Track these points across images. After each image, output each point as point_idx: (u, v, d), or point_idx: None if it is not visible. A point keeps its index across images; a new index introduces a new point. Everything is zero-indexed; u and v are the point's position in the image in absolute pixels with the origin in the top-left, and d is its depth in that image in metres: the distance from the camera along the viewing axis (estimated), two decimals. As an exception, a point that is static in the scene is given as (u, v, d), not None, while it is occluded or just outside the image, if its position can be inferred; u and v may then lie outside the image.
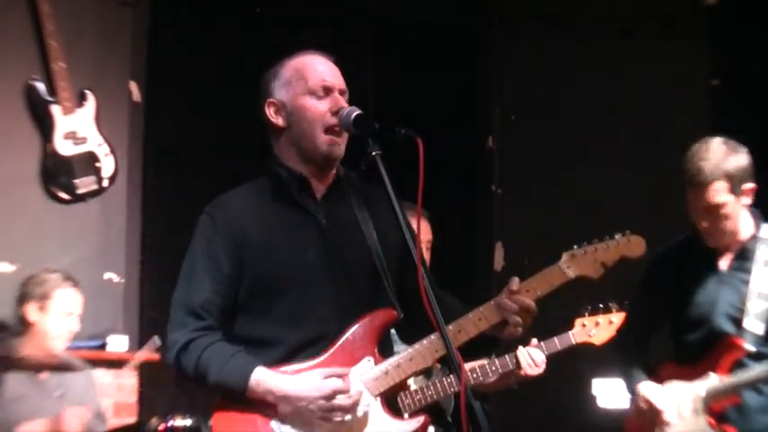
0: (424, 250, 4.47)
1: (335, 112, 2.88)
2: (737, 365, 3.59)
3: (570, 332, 4.29)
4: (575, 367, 4.42)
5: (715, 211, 3.60)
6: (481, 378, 4.21)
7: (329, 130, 2.89)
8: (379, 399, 2.86)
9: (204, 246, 2.91)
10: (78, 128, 5.26)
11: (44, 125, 5.20)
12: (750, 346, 3.58)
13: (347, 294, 2.89)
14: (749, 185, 3.64)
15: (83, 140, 5.27)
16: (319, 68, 2.94)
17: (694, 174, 3.61)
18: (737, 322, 3.62)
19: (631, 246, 3.01)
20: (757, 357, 3.58)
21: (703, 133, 3.77)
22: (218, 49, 5.71)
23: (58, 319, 4.44)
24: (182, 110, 5.70)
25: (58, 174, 5.21)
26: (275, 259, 2.88)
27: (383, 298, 2.93)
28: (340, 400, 2.77)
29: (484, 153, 6.32)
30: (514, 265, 6.05)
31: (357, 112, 2.84)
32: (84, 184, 5.27)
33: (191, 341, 2.84)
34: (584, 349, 4.31)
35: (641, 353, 3.87)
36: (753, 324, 3.59)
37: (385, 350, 2.92)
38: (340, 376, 2.80)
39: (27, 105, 5.17)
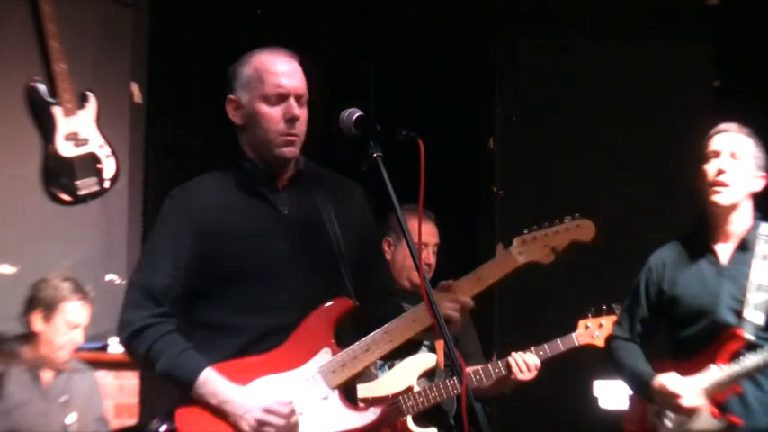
0: (431, 254, 4.48)
1: (288, 120, 2.94)
2: (737, 356, 3.61)
3: (573, 334, 4.32)
4: (576, 368, 4.41)
5: (734, 160, 3.67)
6: (484, 380, 4.24)
7: (282, 135, 2.94)
8: (336, 391, 2.90)
9: (168, 230, 2.96)
10: (79, 129, 5.26)
11: (45, 126, 5.19)
12: (750, 336, 3.60)
13: (309, 283, 2.94)
14: (762, 173, 3.73)
15: (84, 142, 5.26)
16: (277, 72, 2.97)
17: (724, 125, 3.74)
18: (739, 314, 3.64)
19: (581, 230, 3.09)
20: (756, 347, 3.60)
21: (705, 134, 3.78)
22: (219, 49, 5.70)
23: (63, 331, 4.42)
24: (183, 111, 5.70)
25: (60, 175, 5.21)
26: (239, 247, 2.92)
27: (342, 286, 2.98)
28: (274, 420, 2.79)
29: (485, 154, 6.31)
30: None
31: (358, 113, 2.85)
32: (86, 186, 5.27)
33: (146, 327, 2.87)
34: (586, 350, 4.32)
35: (643, 350, 3.86)
36: (753, 314, 3.62)
37: (342, 340, 2.94)
38: (286, 401, 2.83)
39: (28, 107, 5.16)
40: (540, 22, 6.21)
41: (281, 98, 2.95)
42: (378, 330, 2.91)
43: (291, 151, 2.97)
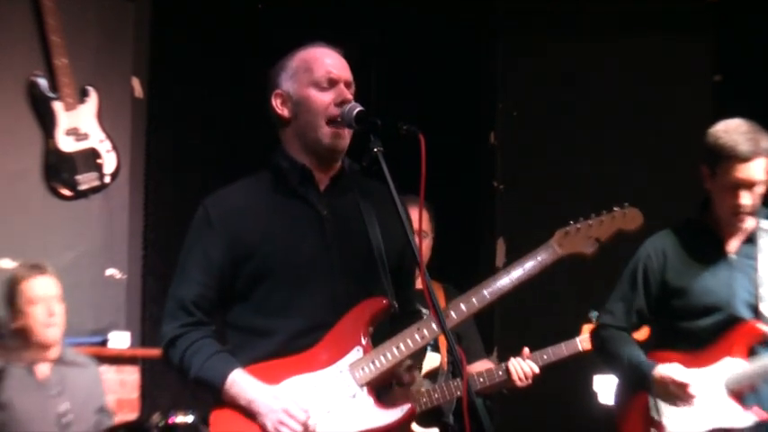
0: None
1: (339, 104, 2.88)
2: (753, 351, 3.59)
3: (577, 338, 4.33)
4: (576, 364, 4.42)
5: (754, 188, 3.57)
6: (488, 382, 4.25)
7: (332, 121, 2.89)
8: (365, 388, 2.87)
9: (197, 240, 2.95)
10: (80, 124, 5.26)
11: (46, 121, 5.20)
12: None
13: (344, 285, 2.90)
14: None
15: (85, 136, 5.27)
16: (326, 60, 2.94)
17: (738, 147, 3.53)
18: (754, 309, 3.61)
19: (628, 218, 3.03)
20: None
21: (706, 129, 3.76)
22: (220, 45, 5.71)
23: (38, 310, 4.39)
24: (184, 106, 5.70)
25: (61, 170, 5.21)
26: (273, 250, 2.89)
27: (380, 289, 2.93)
28: (290, 423, 2.79)
29: (486, 149, 6.32)
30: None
31: (359, 108, 2.84)
32: (87, 181, 5.28)
33: (178, 337, 2.90)
34: (586, 346, 4.32)
35: (634, 340, 3.82)
36: None
37: (377, 340, 2.91)
38: (304, 406, 2.82)
39: (29, 101, 5.17)
40: (542, 18, 6.21)
41: (332, 83, 2.91)
42: (410, 327, 2.88)
43: (340, 143, 2.91)
